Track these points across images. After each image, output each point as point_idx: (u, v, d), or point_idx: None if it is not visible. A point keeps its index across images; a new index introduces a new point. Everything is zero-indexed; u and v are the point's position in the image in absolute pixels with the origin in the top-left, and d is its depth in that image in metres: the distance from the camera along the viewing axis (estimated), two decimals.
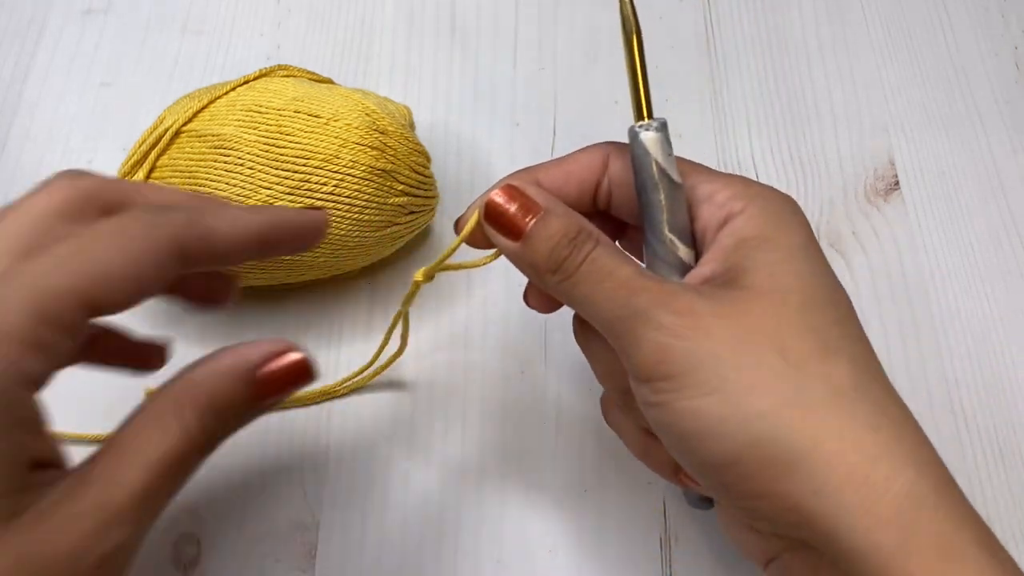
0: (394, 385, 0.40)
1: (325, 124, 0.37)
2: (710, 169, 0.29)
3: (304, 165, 0.36)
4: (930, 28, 0.51)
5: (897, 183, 0.46)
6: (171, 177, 0.37)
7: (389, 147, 0.38)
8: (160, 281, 0.23)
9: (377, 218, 0.38)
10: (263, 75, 0.39)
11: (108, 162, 0.45)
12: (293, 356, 0.25)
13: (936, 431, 0.39)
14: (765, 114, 0.48)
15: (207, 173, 0.36)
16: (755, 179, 0.30)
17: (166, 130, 0.37)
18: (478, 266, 0.31)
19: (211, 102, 0.38)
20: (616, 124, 0.47)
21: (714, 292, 0.26)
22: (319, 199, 0.36)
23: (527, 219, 0.27)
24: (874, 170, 0.46)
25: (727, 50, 0.50)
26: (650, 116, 0.29)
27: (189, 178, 0.36)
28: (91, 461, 0.22)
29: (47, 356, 0.21)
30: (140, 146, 0.37)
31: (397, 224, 0.39)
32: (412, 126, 0.42)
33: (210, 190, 0.36)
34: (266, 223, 0.26)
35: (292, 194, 0.36)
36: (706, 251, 0.28)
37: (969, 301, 0.43)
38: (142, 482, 0.22)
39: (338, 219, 0.37)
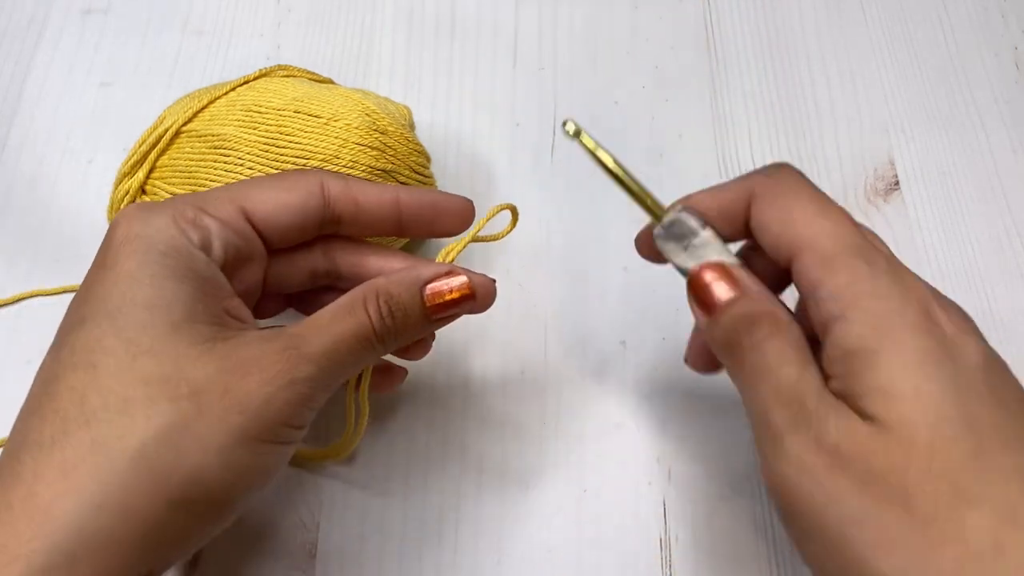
0: None
1: (325, 124, 0.37)
2: (829, 238, 0.26)
3: (304, 165, 0.36)
4: (930, 28, 0.51)
5: (897, 183, 0.46)
6: (171, 177, 0.37)
7: (389, 147, 0.38)
8: (305, 212, 0.29)
9: None
10: (263, 75, 0.39)
11: (108, 162, 0.45)
12: (457, 279, 0.29)
13: None
14: (765, 114, 0.48)
15: (207, 173, 0.36)
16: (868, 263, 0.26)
17: (166, 130, 0.37)
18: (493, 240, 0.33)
19: (211, 102, 0.38)
20: (616, 124, 0.48)
21: (848, 424, 0.24)
22: None
23: (723, 297, 0.28)
24: (874, 170, 0.46)
25: (727, 50, 0.50)
26: (660, 215, 0.30)
27: (189, 178, 0.36)
28: (288, 326, 0.27)
29: (207, 233, 0.27)
30: (140, 146, 0.37)
31: None
32: (412, 126, 0.42)
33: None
34: (408, 195, 0.30)
35: None
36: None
37: (969, 301, 0.43)
38: (327, 342, 0.27)
39: None
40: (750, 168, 0.46)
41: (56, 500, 0.23)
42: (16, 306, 0.42)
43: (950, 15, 0.51)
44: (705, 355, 0.32)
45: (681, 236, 0.29)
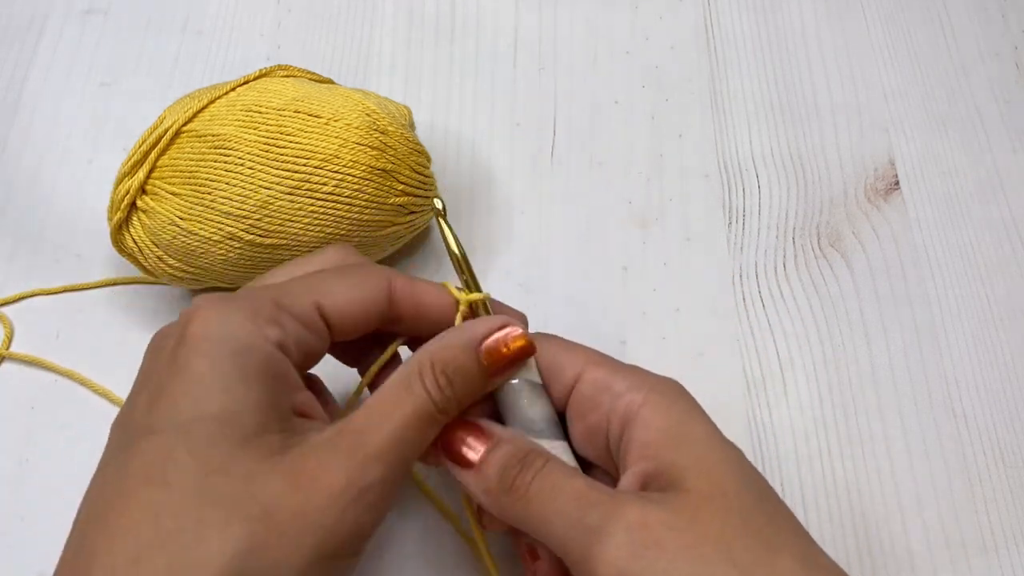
0: None
1: (325, 124, 0.37)
2: (606, 359, 0.30)
3: (304, 165, 0.36)
4: (930, 28, 0.51)
5: (897, 183, 0.46)
6: (171, 177, 0.37)
7: (389, 147, 0.38)
8: (373, 311, 0.29)
9: (377, 218, 0.38)
10: (263, 75, 0.39)
11: (108, 162, 0.45)
12: (512, 332, 0.29)
13: (936, 431, 0.39)
14: (765, 114, 0.48)
15: (207, 173, 0.36)
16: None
17: (166, 130, 0.37)
18: None
19: (211, 102, 0.38)
20: (616, 124, 0.48)
21: (662, 498, 0.26)
22: (319, 199, 0.36)
23: (479, 448, 0.28)
24: (874, 170, 0.46)
25: (727, 50, 0.50)
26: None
27: (189, 178, 0.36)
28: (351, 416, 0.27)
29: (285, 331, 0.27)
30: (140, 146, 0.37)
31: (397, 224, 0.39)
32: (412, 126, 0.42)
33: (210, 190, 0.36)
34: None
35: (292, 194, 0.36)
36: (627, 449, 0.28)
37: (969, 301, 0.43)
38: (391, 432, 0.26)
39: (338, 219, 0.37)
40: (750, 168, 0.46)
41: None
42: (16, 306, 0.42)
43: (950, 15, 0.51)
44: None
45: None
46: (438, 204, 0.32)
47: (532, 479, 0.27)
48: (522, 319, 0.32)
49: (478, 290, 0.31)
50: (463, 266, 0.31)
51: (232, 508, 0.24)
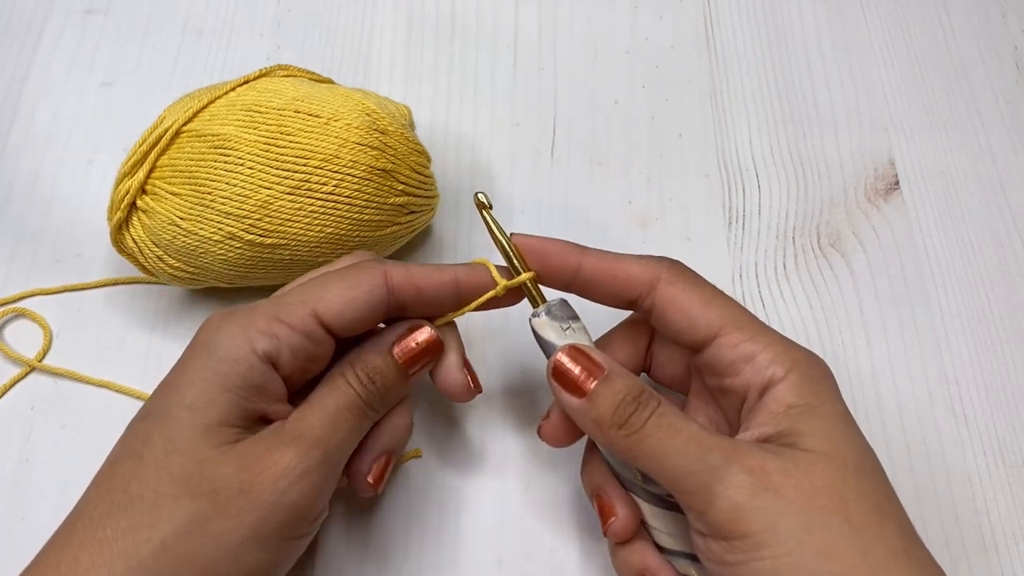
0: None
1: (325, 124, 0.37)
2: (747, 321, 0.31)
3: (304, 165, 0.36)
4: (930, 28, 0.51)
5: (897, 183, 0.46)
6: (171, 177, 0.37)
7: (389, 147, 0.38)
8: (373, 307, 0.31)
9: (377, 218, 0.38)
10: (263, 75, 0.39)
11: (108, 162, 0.45)
12: (422, 333, 0.33)
13: (936, 431, 0.39)
14: (765, 114, 0.48)
15: (207, 173, 0.36)
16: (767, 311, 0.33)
17: (166, 130, 0.37)
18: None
19: (211, 102, 0.38)
20: (616, 124, 0.48)
21: (779, 451, 0.28)
22: (319, 199, 0.36)
23: (591, 379, 0.30)
24: (874, 170, 0.46)
25: (727, 50, 0.50)
26: (543, 301, 0.33)
27: (189, 178, 0.36)
28: (292, 413, 0.30)
29: (278, 342, 0.30)
30: (140, 146, 0.37)
31: (397, 224, 0.39)
32: (412, 126, 0.42)
33: (210, 190, 0.36)
34: (466, 274, 0.33)
35: (292, 194, 0.36)
36: (755, 414, 0.30)
37: (969, 301, 0.43)
38: (326, 422, 0.30)
39: (338, 219, 0.37)
40: (750, 168, 0.46)
41: (92, 569, 0.27)
42: (16, 306, 0.42)
43: (950, 15, 0.51)
44: (564, 432, 0.33)
45: (562, 319, 0.32)
46: (482, 198, 0.34)
47: (649, 416, 0.29)
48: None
49: (527, 271, 0.33)
50: (513, 253, 0.33)
51: (185, 485, 0.28)
